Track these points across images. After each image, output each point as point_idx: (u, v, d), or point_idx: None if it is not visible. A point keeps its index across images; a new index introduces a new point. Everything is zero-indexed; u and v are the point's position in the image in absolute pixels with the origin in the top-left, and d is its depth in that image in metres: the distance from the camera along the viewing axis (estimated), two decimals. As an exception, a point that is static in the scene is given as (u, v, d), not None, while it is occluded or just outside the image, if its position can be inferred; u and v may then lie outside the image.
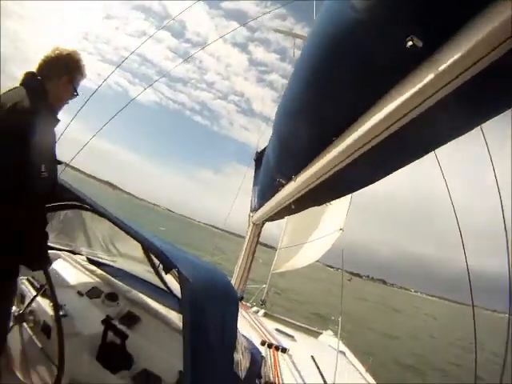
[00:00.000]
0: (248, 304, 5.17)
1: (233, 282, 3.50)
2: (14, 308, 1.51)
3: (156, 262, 1.77)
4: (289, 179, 1.86)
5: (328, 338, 4.04)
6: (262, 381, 1.53)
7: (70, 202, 1.80)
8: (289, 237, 5.66)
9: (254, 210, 3.28)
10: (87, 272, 2.14)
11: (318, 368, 2.05)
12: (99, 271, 2.16)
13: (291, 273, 6.85)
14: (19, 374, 1.59)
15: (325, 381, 1.88)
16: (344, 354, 3.45)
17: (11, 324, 1.51)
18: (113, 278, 2.08)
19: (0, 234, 1.06)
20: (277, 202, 2.29)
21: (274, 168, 2.19)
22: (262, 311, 4.89)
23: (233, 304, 1.28)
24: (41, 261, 1.28)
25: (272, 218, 3.09)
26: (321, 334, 4.58)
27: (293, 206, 2.15)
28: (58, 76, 1.27)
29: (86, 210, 1.70)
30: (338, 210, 4.99)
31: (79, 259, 2.27)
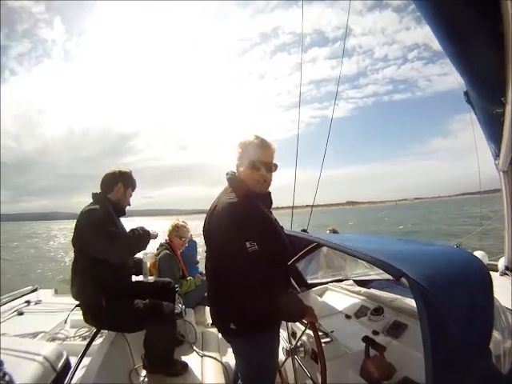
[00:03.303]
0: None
1: (505, 245, 3.06)
2: (286, 344, 1.71)
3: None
4: (502, 104, 1.56)
5: None
6: None
7: (303, 251, 2.14)
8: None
9: (497, 155, 2.75)
10: (354, 294, 2.30)
11: None
12: (364, 290, 2.30)
13: None
14: None
15: None
16: None
17: (285, 357, 1.71)
18: (379, 292, 2.19)
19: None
20: (508, 136, 1.94)
21: (482, 100, 1.87)
22: None
23: (485, 292, 1.11)
24: (293, 317, 1.38)
25: None
26: None
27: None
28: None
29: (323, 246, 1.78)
30: None
31: (346, 285, 2.52)
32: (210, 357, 2.05)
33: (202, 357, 2.08)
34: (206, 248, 1.38)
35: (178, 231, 3.01)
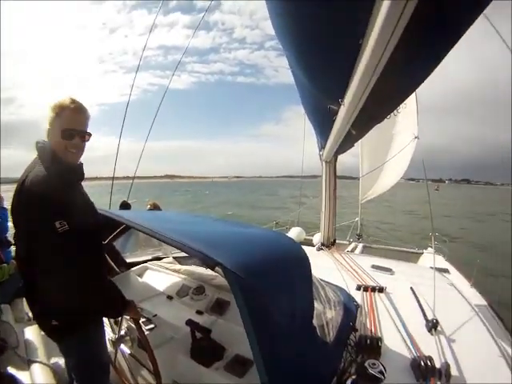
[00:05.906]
0: (345, 241, 5.37)
1: (321, 225, 3.62)
2: (111, 334, 1.60)
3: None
4: (338, 104, 1.71)
5: (429, 257, 3.94)
6: (358, 334, 1.41)
7: (120, 228, 2.06)
8: (368, 162, 5.49)
9: (322, 147, 3.17)
10: (174, 273, 2.26)
11: (418, 301, 1.86)
12: (184, 267, 2.27)
13: (374, 202, 6.63)
14: None
15: (425, 314, 1.70)
16: (447, 270, 3.37)
17: (113, 349, 1.58)
18: (199, 269, 2.17)
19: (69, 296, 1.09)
20: (337, 132, 2.17)
21: (319, 98, 2.03)
22: (360, 245, 5.08)
23: (302, 269, 1.20)
24: (113, 312, 1.30)
25: (341, 150, 2.97)
26: (422, 254, 4.57)
27: (353, 132, 2.01)
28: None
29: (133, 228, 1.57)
30: (407, 120, 4.64)
31: (166, 263, 2.50)
32: (36, 361, 1.80)
33: (27, 363, 1.80)
34: (15, 231, 1.18)
35: None
